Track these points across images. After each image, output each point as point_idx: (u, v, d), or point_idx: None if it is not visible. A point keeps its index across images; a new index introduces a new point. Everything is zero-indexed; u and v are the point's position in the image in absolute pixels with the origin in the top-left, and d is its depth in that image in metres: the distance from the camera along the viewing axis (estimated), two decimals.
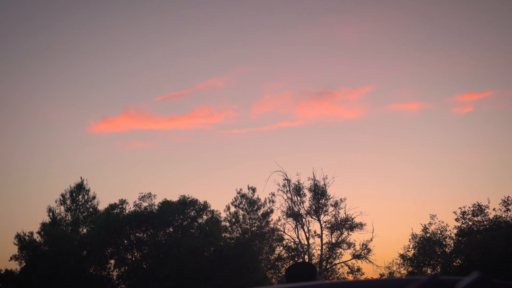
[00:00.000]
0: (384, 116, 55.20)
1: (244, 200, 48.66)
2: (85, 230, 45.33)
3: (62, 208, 47.43)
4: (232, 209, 48.45)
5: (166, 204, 42.02)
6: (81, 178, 48.22)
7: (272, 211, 47.21)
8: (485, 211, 40.96)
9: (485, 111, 54.42)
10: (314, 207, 40.88)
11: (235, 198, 48.84)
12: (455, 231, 41.72)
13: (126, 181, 58.40)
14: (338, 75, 58.17)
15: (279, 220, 43.46)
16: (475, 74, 54.70)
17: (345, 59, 57.11)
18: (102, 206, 45.96)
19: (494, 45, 55.49)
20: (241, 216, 47.88)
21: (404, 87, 56.90)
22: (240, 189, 49.02)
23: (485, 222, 40.89)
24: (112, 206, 42.06)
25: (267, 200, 47.91)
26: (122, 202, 42.38)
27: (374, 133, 57.30)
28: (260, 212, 47.85)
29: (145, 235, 41.95)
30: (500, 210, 40.64)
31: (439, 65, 55.63)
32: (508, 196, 40.74)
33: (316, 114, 57.26)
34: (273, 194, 47.01)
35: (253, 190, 48.97)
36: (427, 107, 54.70)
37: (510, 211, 40.42)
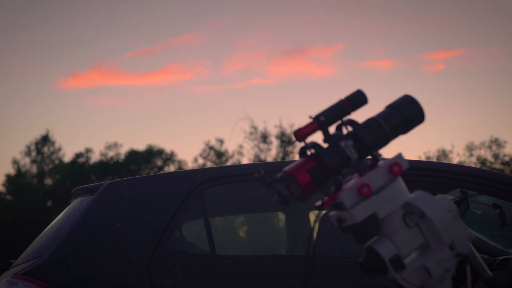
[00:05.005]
0: (357, 73, 54.91)
1: (212, 152, 48.58)
2: (50, 182, 44.89)
3: (28, 159, 46.85)
4: (200, 161, 48.33)
5: (132, 153, 41.72)
6: (46, 129, 47.55)
7: (240, 163, 47.27)
8: (449, 156, 41.50)
9: (456, 69, 54.52)
10: (281, 154, 40.91)
11: (203, 150, 48.74)
12: None
13: (95, 137, 57.71)
14: (311, 32, 57.58)
15: None
16: (445, 32, 54.60)
17: (318, 15, 56.53)
18: (68, 158, 45.46)
19: (464, 2, 55.37)
20: None
21: (376, 44, 56.57)
22: (209, 141, 48.93)
23: None
24: (78, 155, 41.64)
25: (235, 152, 47.91)
26: (88, 150, 41.98)
27: (347, 90, 56.71)
28: (228, 164, 47.86)
29: None
30: (464, 155, 41.25)
31: (410, 23, 55.39)
32: (472, 142, 41.34)
33: (289, 71, 56.77)
34: (241, 146, 46.97)
35: (221, 142, 48.89)
36: (399, 65, 54.55)
37: (473, 156, 41.02)
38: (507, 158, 41.65)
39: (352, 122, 1.93)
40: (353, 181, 1.88)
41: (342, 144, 1.89)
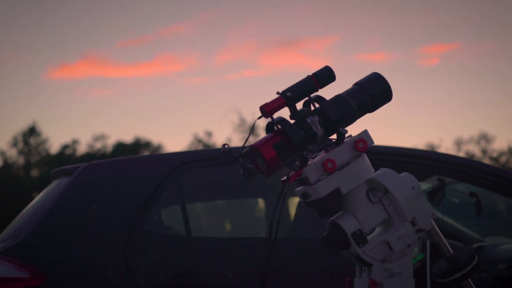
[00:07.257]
0: (351, 66, 54.68)
1: (201, 145, 48.55)
2: (37, 173, 44.78)
3: (14, 151, 46.67)
4: None
5: (120, 145, 41.66)
6: (33, 121, 47.31)
7: None
8: (437, 150, 41.71)
9: (451, 64, 54.43)
10: None
11: (191, 142, 48.73)
12: None
13: (83, 128, 57.30)
14: (305, 23, 57.26)
15: None
16: (442, 25, 54.48)
17: (312, 6, 56.26)
18: (55, 150, 45.29)
19: None
20: None
21: (371, 37, 56.36)
22: (197, 133, 48.92)
23: None
24: (64, 147, 41.57)
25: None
26: (75, 142, 41.91)
27: (340, 83, 56.60)
28: None
29: None
30: (453, 150, 41.44)
31: (406, 15, 55.32)
32: (461, 137, 41.63)
33: (281, 63, 56.43)
34: (230, 139, 46.98)
35: (210, 134, 48.88)
36: (394, 58, 54.36)
37: (461, 151, 41.22)
38: (495, 154, 41.92)
39: (319, 99, 1.96)
40: (318, 157, 1.91)
41: (309, 120, 1.92)
